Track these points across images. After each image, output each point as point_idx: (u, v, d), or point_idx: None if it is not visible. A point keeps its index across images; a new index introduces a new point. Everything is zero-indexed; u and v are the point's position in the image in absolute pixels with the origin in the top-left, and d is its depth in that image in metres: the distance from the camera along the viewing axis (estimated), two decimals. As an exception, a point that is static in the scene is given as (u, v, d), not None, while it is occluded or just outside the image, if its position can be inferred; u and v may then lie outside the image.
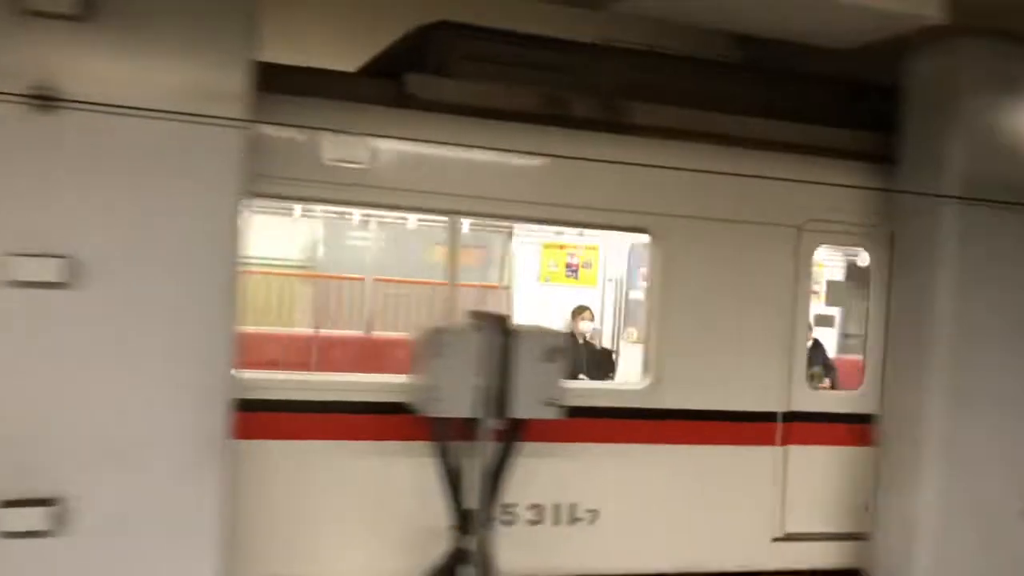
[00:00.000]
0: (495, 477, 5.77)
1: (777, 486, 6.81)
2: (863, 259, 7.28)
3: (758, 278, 6.74)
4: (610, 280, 10.24)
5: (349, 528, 6.02)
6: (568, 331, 8.83)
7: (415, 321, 9.83)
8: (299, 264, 11.45)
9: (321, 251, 11.35)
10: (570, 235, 10.00)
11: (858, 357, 7.34)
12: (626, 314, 10.05)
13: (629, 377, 9.02)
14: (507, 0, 7.74)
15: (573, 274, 10.35)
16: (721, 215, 6.62)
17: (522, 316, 9.84)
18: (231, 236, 5.24)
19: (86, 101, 4.81)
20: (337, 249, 11.39)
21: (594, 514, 6.38)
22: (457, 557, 5.73)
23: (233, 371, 5.31)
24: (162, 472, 5.12)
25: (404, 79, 6.08)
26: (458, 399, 5.52)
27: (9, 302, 4.79)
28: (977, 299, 6.43)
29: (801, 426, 6.84)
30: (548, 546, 6.29)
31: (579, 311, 9.17)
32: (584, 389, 6.95)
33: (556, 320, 9.42)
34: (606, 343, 9.95)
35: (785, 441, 6.80)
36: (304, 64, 6.19)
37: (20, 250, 4.75)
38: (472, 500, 5.68)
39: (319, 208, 9.11)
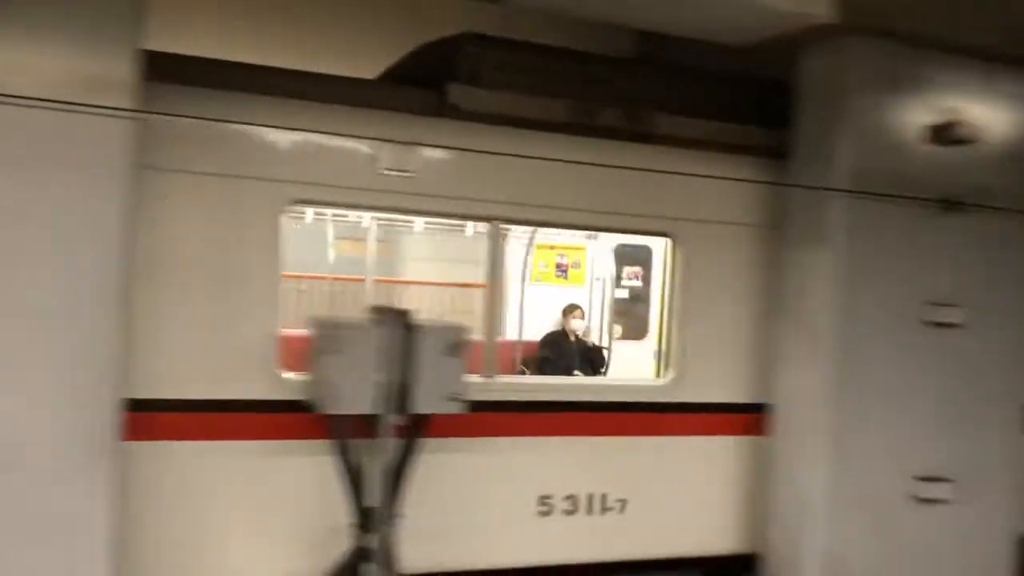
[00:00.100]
0: (397, 474, 5.71)
1: None
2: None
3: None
4: (597, 279, 10.52)
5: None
6: (560, 328, 9.14)
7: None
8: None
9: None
10: (562, 236, 10.22)
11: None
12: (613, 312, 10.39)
13: (622, 372, 9.49)
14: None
15: (563, 274, 10.68)
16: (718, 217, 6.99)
17: (514, 314, 10.17)
18: (117, 231, 5.05)
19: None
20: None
21: (623, 503, 6.80)
22: (359, 556, 5.66)
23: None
24: (42, 475, 4.91)
25: (446, 89, 6.20)
26: (358, 396, 5.42)
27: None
28: (864, 291, 6.62)
29: None
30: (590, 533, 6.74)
31: (570, 309, 9.40)
32: (602, 386, 7.62)
33: (549, 318, 9.86)
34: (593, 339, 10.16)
35: None
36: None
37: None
38: (374, 498, 5.62)
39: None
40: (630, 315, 10.37)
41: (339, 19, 8.88)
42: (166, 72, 5.33)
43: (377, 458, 5.58)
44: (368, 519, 5.62)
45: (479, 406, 6.01)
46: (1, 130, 4.75)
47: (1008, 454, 7.19)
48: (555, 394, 6.82)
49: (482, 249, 6.94)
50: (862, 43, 6.49)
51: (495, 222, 6.53)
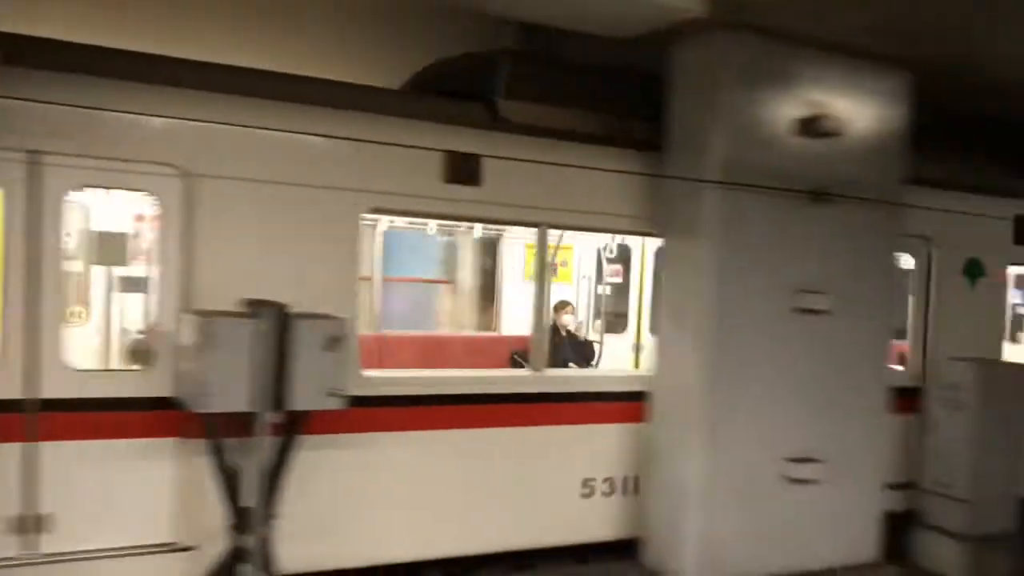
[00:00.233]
0: (274, 474, 5.57)
1: None
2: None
3: None
4: (583, 277, 10.81)
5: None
6: (552, 324, 9.26)
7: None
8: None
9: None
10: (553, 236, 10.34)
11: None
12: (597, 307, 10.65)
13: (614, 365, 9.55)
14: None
15: (553, 272, 10.80)
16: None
17: (510, 311, 10.66)
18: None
19: None
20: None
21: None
22: (235, 557, 5.50)
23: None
24: None
25: (496, 104, 6.81)
26: (232, 392, 5.25)
27: None
28: (737, 280, 6.80)
29: None
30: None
31: (561, 306, 9.52)
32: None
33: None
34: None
35: None
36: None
37: None
38: (251, 498, 5.46)
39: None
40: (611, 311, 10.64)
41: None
42: None
43: (253, 457, 5.43)
44: (244, 520, 5.47)
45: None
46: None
47: (873, 435, 7.52)
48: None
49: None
50: (733, 38, 6.64)
51: (543, 227, 6.94)
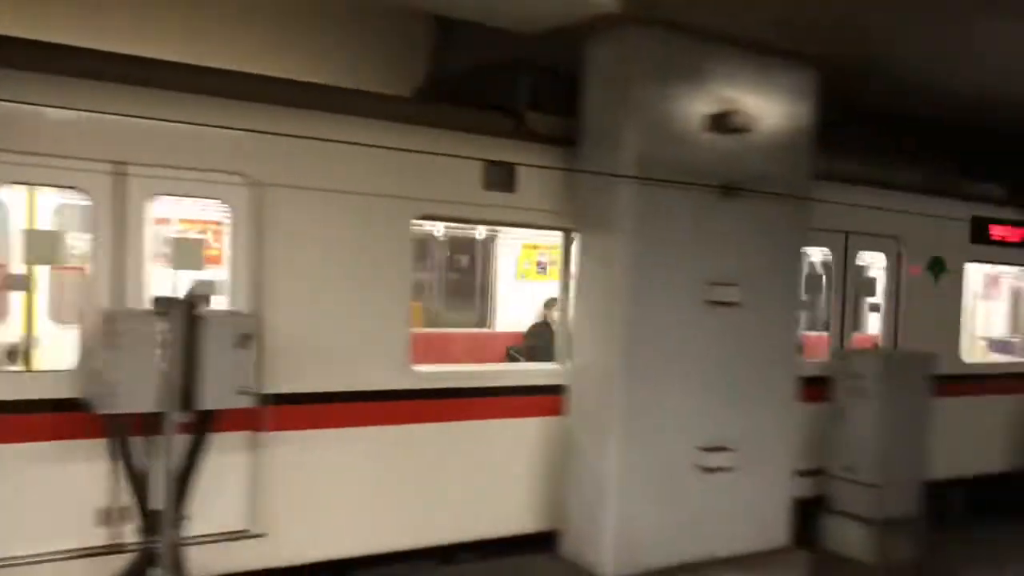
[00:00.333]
0: (184, 474, 5.44)
1: None
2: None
3: None
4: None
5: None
6: (543, 319, 9.97)
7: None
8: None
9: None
10: (541, 236, 10.52)
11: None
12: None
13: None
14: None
15: (543, 270, 11.36)
16: None
17: (504, 308, 11.01)
18: None
19: None
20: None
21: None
22: (145, 560, 5.36)
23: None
24: None
25: (524, 115, 7.27)
26: (139, 392, 5.10)
27: None
28: (652, 273, 6.89)
29: None
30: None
31: (551, 302, 9.67)
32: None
33: (532, 310, 10.64)
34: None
35: None
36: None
37: None
38: (160, 500, 5.32)
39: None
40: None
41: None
42: None
43: (162, 458, 5.29)
44: (153, 522, 5.33)
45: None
46: None
47: (783, 423, 7.71)
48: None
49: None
50: (645, 34, 6.71)
51: (568, 231, 7.43)
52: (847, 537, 8.47)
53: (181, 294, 5.71)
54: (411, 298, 6.93)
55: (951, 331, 10.06)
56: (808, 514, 8.49)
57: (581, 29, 6.81)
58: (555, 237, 7.77)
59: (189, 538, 5.58)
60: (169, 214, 7.63)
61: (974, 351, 11.23)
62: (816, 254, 9.31)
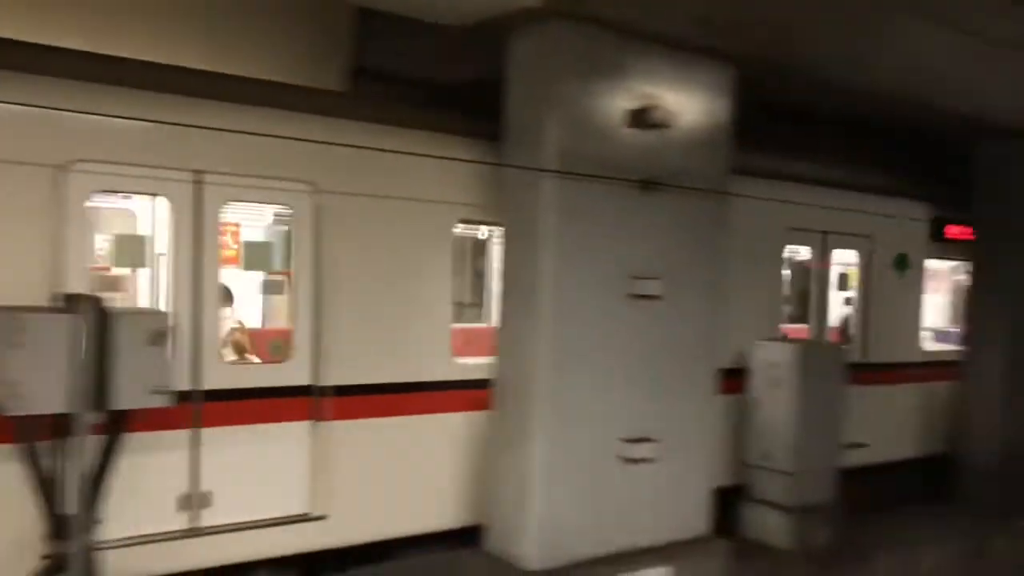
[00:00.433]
0: (96, 477, 5.27)
1: None
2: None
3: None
4: None
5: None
6: None
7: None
8: None
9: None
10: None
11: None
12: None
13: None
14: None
15: None
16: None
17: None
18: None
19: None
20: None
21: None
22: (55, 567, 5.17)
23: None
24: None
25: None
26: (46, 393, 4.92)
27: None
28: (575, 268, 6.92)
29: None
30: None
31: None
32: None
33: None
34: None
35: None
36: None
37: None
38: (71, 504, 5.15)
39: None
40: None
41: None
42: None
43: (73, 461, 5.11)
44: (64, 527, 5.15)
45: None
46: None
47: (704, 414, 7.84)
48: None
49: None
50: (567, 28, 6.72)
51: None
52: (765, 524, 8.67)
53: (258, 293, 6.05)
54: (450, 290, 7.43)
55: (914, 322, 10.90)
56: (728, 503, 8.66)
57: (504, 23, 6.79)
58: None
59: (256, 521, 6.35)
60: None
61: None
62: (792, 252, 10.22)
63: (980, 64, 9.40)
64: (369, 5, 6.88)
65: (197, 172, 6.14)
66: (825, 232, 9.99)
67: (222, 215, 6.38)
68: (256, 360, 7.80)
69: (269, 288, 9.22)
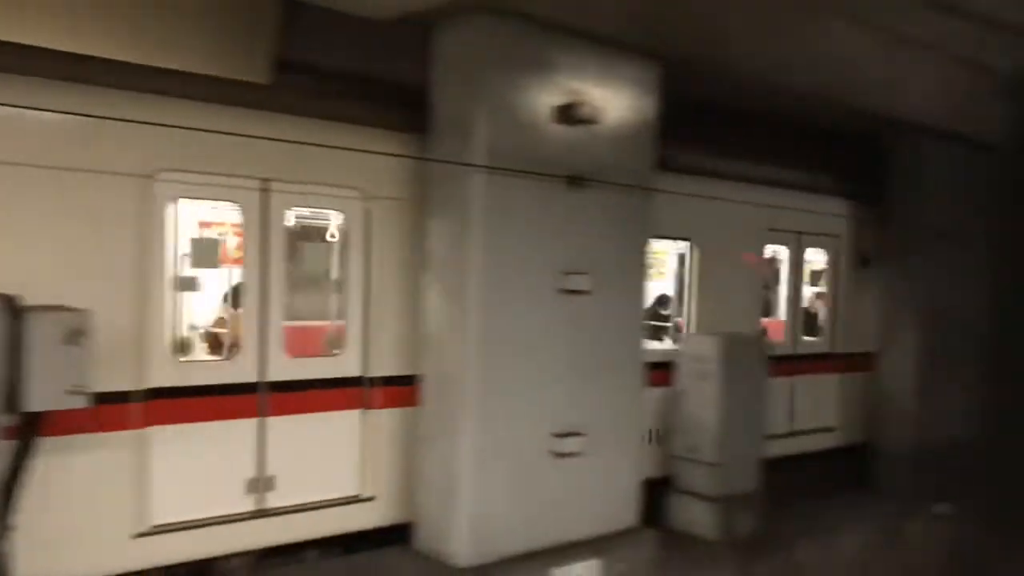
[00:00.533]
0: (11, 480, 5.07)
1: None
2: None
3: None
4: None
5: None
6: None
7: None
8: None
9: None
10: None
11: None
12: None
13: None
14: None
15: None
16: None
17: None
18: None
19: None
20: None
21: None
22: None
23: None
24: None
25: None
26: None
27: None
28: (503, 262, 6.92)
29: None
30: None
31: None
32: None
33: None
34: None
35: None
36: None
37: None
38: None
39: None
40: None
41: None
42: None
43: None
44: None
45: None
46: None
47: (632, 407, 7.92)
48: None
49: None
50: (495, 23, 6.71)
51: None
52: (691, 515, 8.80)
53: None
54: None
55: (869, 314, 11.58)
56: (656, 494, 8.76)
57: (431, 16, 6.75)
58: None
59: (315, 503, 6.84)
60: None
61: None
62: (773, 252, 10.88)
63: (894, 64, 9.73)
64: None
65: (264, 180, 6.61)
66: (800, 233, 10.82)
67: (285, 220, 6.83)
68: None
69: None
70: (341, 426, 7.06)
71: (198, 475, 6.39)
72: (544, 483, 7.21)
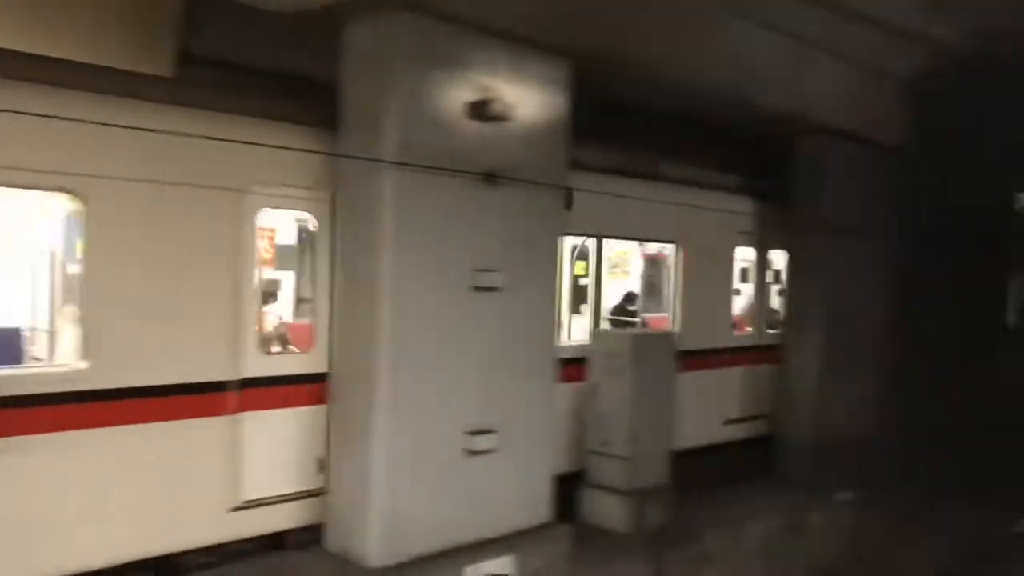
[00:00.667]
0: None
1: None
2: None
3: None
4: None
5: None
6: None
7: None
8: None
9: None
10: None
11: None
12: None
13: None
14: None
15: None
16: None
17: None
18: None
19: None
20: None
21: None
22: None
23: None
24: None
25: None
26: None
27: None
28: (416, 260, 6.88)
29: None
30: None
31: None
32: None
33: None
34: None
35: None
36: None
37: None
38: None
39: None
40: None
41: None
42: None
43: None
44: None
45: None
46: None
47: (545, 403, 7.97)
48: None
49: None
50: (404, 18, 6.65)
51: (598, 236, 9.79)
52: (603, 509, 8.91)
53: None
54: None
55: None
56: (569, 489, 8.84)
57: (339, 10, 6.65)
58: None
59: None
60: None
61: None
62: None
63: (798, 66, 10.01)
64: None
65: (332, 193, 7.12)
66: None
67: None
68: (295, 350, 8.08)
69: None
70: None
71: (280, 455, 7.02)
72: (457, 481, 7.21)
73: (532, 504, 7.87)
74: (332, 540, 7.07)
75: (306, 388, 7.18)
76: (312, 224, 7.42)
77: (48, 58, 6.09)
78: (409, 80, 6.76)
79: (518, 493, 7.72)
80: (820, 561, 10.30)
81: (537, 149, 7.66)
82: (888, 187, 12.09)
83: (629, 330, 9.66)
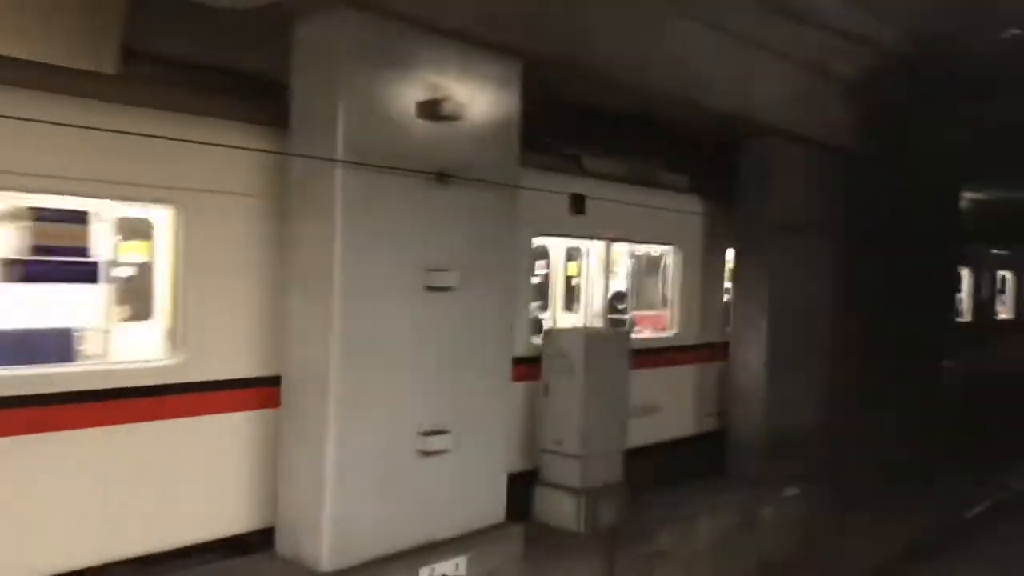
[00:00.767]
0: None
1: None
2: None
3: None
4: None
5: None
6: None
7: None
8: None
9: None
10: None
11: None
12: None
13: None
14: None
15: None
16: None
17: None
18: None
19: None
20: None
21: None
22: None
23: None
24: None
25: (581, 158, 10.25)
26: None
27: None
28: (367, 260, 6.82)
29: None
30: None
31: None
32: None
33: None
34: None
35: None
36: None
37: None
38: None
39: None
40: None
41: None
42: None
43: None
44: None
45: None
46: None
47: (500, 402, 7.98)
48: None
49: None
50: (354, 17, 6.59)
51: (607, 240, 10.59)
52: (556, 508, 8.93)
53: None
54: None
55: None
56: (522, 488, 8.85)
57: (288, 8, 6.58)
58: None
59: None
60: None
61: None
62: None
63: (746, 67, 10.13)
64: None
65: None
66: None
67: None
68: None
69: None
70: None
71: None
72: (410, 482, 7.16)
73: (486, 504, 7.85)
74: (283, 544, 6.98)
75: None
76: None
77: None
78: (359, 79, 6.70)
79: (472, 493, 7.70)
80: (770, 556, 10.47)
81: (489, 149, 7.65)
82: (836, 187, 12.30)
83: (579, 328, 9.66)
